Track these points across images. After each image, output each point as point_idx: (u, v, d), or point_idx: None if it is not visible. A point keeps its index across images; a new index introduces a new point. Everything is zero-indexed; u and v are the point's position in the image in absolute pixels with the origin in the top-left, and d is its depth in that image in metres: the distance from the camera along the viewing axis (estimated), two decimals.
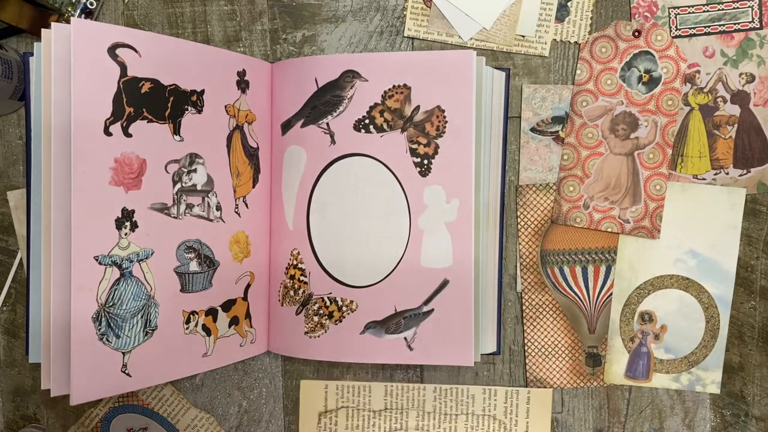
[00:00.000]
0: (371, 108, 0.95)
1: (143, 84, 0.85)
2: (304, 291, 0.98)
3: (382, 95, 0.95)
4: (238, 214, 0.96)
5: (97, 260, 0.82)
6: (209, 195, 0.92)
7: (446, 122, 0.94)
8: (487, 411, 1.05)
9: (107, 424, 1.05)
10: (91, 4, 0.99)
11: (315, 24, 1.02)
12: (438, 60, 0.94)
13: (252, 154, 0.97)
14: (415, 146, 0.95)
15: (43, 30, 0.82)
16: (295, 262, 0.98)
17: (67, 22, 0.92)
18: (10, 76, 0.95)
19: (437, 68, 0.94)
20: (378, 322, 0.97)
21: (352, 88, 0.95)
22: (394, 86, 0.95)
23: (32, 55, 0.88)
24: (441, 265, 0.95)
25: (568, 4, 1.01)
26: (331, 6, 1.02)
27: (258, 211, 0.99)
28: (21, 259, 1.03)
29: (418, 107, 0.95)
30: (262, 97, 0.98)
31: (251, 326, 0.99)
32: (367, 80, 0.95)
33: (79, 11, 0.99)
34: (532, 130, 1.02)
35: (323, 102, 0.95)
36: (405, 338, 0.97)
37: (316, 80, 0.95)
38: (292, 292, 0.98)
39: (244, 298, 0.98)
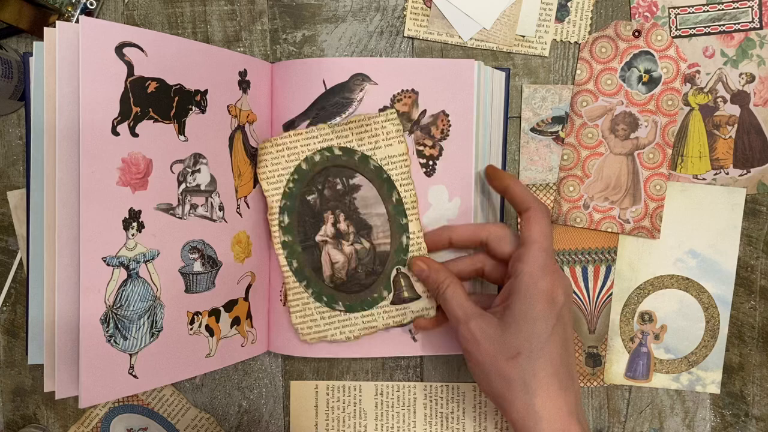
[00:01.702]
0: (380, 111, 0.95)
1: (149, 84, 0.84)
2: None
3: (391, 98, 0.95)
4: (240, 215, 0.96)
5: (105, 261, 0.82)
6: (212, 195, 0.92)
7: (450, 126, 0.95)
8: (479, 408, 1.06)
9: (107, 424, 1.05)
10: (91, 4, 0.99)
11: (315, 24, 1.02)
12: (443, 67, 0.95)
13: (253, 155, 0.97)
14: (421, 148, 0.95)
15: (46, 29, 0.81)
16: None
17: (67, 21, 0.91)
18: (10, 76, 0.95)
19: (442, 75, 0.95)
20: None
21: (362, 91, 0.95)
22: (402, 90, 0.95)
23: (32, 55, 0.87)
24: (443, 260, 0.96)
25: (568, 4, 1.01)
26: (331, 6, 1.02)
27: (259, 212, 0.99)
28: (21, 259, 1.03)
29: (424, 111, 0.95)
30: (263, 97, 0.98)
31: (252, 326, 0.99)
32: (377, 84, 0.95)
33: (79, 11, 0.99)
34: (532, 130, 1.02)
35: (332, 103, 0.95)
36: (410, 330, 0.98)
37: (324, 82, 0.95)
38: None
39: (246, 299, 0.98)
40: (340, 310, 0.97)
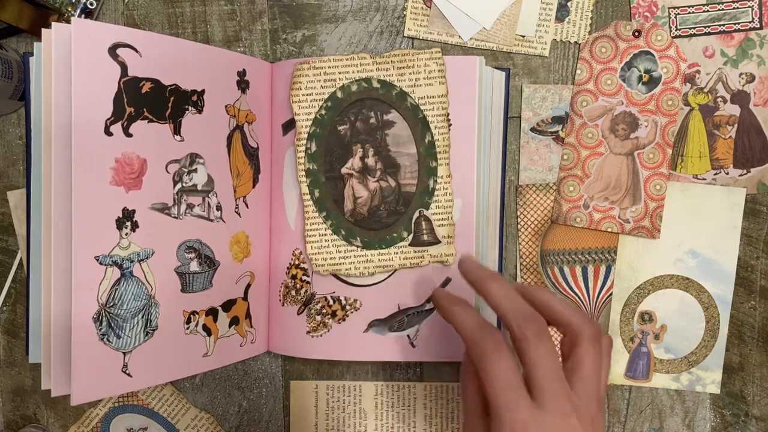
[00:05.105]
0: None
1: (144, 84, 0.84)
2: (306, 291, 0.98)
3: None
4: (239, 214, 0.96)
5: (97, 260, 0.82)
6: (209, 195, 0.92)
7: (450, 125, 0.95)
8: None
9: (107, 424, 1.05)
10: (91, 4, 0.99)
11: (315, 24, 1.02)
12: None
13: (252, 154, 0.97)
14: None
15: (43, 30, 0.82)
16: (297, 262, 0.98)
17: (67, 22, 0.91)
18: (10, 76, 0.95)
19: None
20: (381, 320, 0.97)
21: None
22: None
23: (32, 55, 0.87)
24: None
25: (568, 4, 1.01)
26: (331, 6, 1.02)
27: (258, 211, 0.99)
28: (21, 259, 1.03)
29: None
30: (263, 97, 0.98)
31: (251, 326, 0.99)
32: None
33: (79, 11, 0.99)
34: (532, 130, 1.02)
35: None
36: (408, 335, 0.97)
37: None
38: (293, 292, 0.99)
39: (244, 298, 0.98)
40: (357, 246, 0.97)
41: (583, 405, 0.69)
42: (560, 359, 0.73)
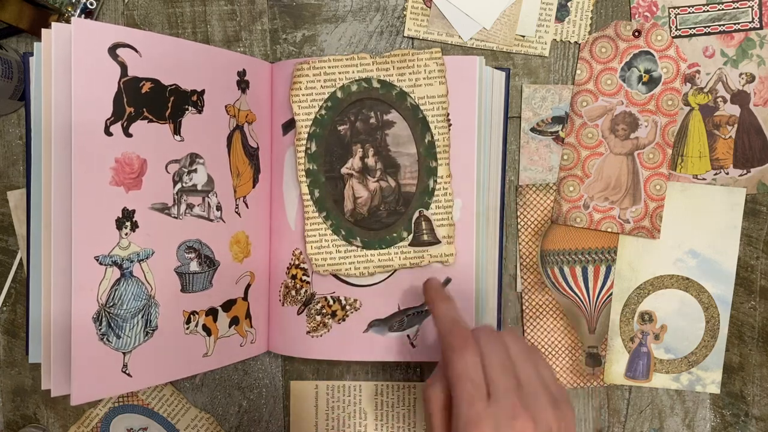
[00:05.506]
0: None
1: (144, 84, 0.84)
2: (306, 291, 0.98)
3: None
4: (239, 214, 0.96)
5: (97, 260, 0.82)
6: (209, 195, 0.92)
7: (450, 125, 0.94)
8: None
9: (107, 424, 1.05)
10: (91, 4, 0.99)
11: (315, 24, 1.02)
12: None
13: (252, 154, 0.97)
14: None
15: (43, 30, 0.82)
16: (297, 262, 0.98)
17: (67, 22, 0.91)
18: (10, 76, 0.95)
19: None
20: (381, 321, 0.97)
21: None
22: None
23: (32, 55, 0.87)
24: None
25: (568, 4, 1.01)
26: (331, 6, 1.02)
27: (258, 211, 0.99)
28: (21, 259, 1.03)
29: None
30: (263, 97, 0.98)
31: (251, 326, 0.99)
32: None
33: (79, 11, 0.99)
34: (532, 130, 1.02)
35: None
36: (408, 336, 0.97)
37: None
38: (293, 292, 0.98)
39: (244, 298, 0.98)
40: (357, 246, 0.97)
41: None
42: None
